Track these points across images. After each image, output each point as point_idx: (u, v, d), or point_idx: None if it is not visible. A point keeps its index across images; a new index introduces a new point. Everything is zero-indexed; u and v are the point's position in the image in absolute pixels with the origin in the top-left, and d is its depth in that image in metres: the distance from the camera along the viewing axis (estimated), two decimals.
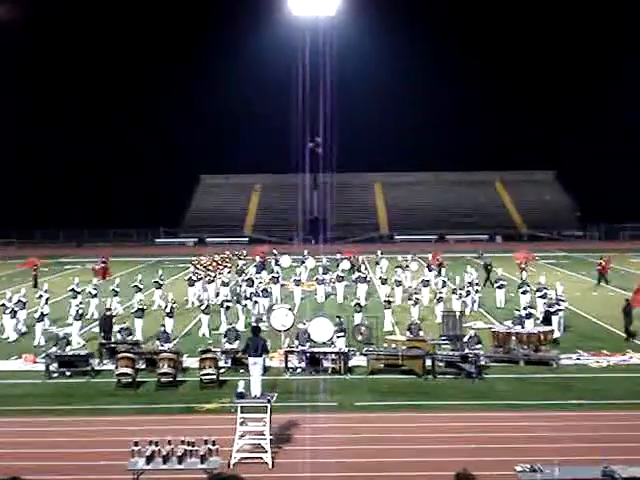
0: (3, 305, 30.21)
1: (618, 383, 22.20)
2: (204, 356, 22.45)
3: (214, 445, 14.25)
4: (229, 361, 24.06)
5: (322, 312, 28.73)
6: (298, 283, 37.07)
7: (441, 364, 23.34)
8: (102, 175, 78.46)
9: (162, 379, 22.19)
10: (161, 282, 36.41)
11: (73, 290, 33.32)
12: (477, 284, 35.27)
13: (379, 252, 45.74)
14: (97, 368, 24.16)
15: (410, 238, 71.97)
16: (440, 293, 32.24)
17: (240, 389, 16.85)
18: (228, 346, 24.38)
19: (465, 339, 24.54)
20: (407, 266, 42.13)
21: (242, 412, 16.51)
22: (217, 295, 35.94)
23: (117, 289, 34.37)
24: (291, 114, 74.02)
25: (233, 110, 77.24)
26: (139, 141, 78.98)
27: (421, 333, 25.74)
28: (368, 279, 38.07)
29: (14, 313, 29.81)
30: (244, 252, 48.04)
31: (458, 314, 28.73)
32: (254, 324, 22.54)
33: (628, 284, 37.57)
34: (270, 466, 15.91)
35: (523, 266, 40.25)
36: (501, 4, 79.68)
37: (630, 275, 45.60)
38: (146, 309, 29.65)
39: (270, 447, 16.15)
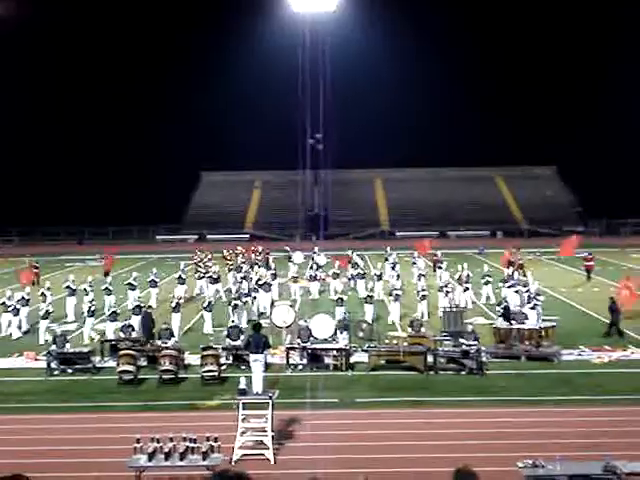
0: (3, 304, 30.20)
1: (619, 379, 22.20)
2: (206, 353, 22.46)
3: (216, 442, 14.28)
4: (230, 358, 24.07)
5: (345, 311, 28.56)
6: (311, 278, 37.34)
7: (442, 360, 23.35)
8: (102, 172, 78.37)
9: (164, 376, 22.21)
10: (157, 280, 36.17)
11: (69, 287, 33.36)
12: (467, 281, 34.79)
13: (388, 248, 45.74)
14: (98, 365, 24.18)
15: (411, 234, 71.88)
16: (423, 291, 31.69)
17: (242, 386, 16.86)
18: (230, 343, 24.38)
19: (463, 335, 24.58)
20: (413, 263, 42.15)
21: (244, 409, 16.53)
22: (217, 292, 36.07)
23: (110, 287, 34.26)
24: (291, 111, 74.01)
25: (233, 107, 77.13)
26: (139, 138, 78.91)
27: (423, 329, 25.77)
28: (365, 275, 38.15)
29: (17, 311, 29.80)
30: (239, 249, 48.03)
31: (457, 310, 28.77)
32: (256, 321, 22.58)
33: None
34: (272, 462, 15.94)
35: (512, 261, 40.51)
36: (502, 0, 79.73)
37: (632, 272, 45.56)
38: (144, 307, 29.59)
39: (272, 444, 16.17)
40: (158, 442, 14.18)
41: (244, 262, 42.06)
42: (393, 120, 77.98)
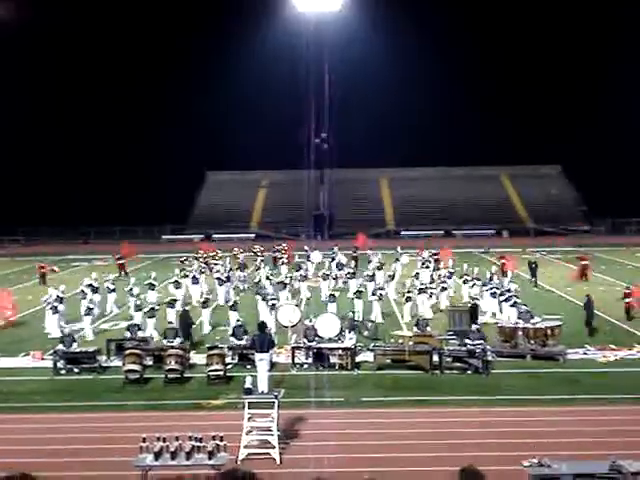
0: (48, 302, 30.21)
1: (625, 378, 22.17)
2: (211, 352, 22.50)
3: (222, 441, 14.29)
4: (236, 357, 24.10)
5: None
6: (326, 278, 37.34)
7: (448, 359, 23.34)
8: (109, 172, 78.51)
9: (169, 375, 22.25)
10: (154, 283, 35.92)
11: (91, 285, 33.38)
12: (444, 279, 34.80)
13: (399, 248, 45.66)
14: (104, 365, 24.23)
15: (416, 234, 71.90)
16: (409, 293, 31.48)
17: (247, 385, 16.89)
18: (235, 342, 24.40)
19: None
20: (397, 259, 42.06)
21: (249, 408, 16.55)
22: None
23: (154, 282, 34.56)
24: (296, 110, 74.01)
25: (239, 106, 77.19)
26: (145, 138, 79.03)
27: (428, 329, 25.77)
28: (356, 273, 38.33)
29: (55, 309, 29.75)
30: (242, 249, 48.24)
31: (463, 309, 28.76)
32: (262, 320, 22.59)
33: (637, 279, 37.52)
34: (278, 462, 15.94)
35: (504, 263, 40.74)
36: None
37: (638, 270, 45.51)
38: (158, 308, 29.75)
39: (277, 443, 16.19)
40: (164, 441, 14.20)
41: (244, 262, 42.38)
42: (398, 119, 77.97)
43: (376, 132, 78.93)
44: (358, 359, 23.89)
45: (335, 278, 38.08)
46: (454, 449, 16.40)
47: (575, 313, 31.15)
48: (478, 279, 33.92)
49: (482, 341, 23.35)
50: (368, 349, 24.52)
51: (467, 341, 23.50)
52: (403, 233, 75.16)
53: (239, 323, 25.69)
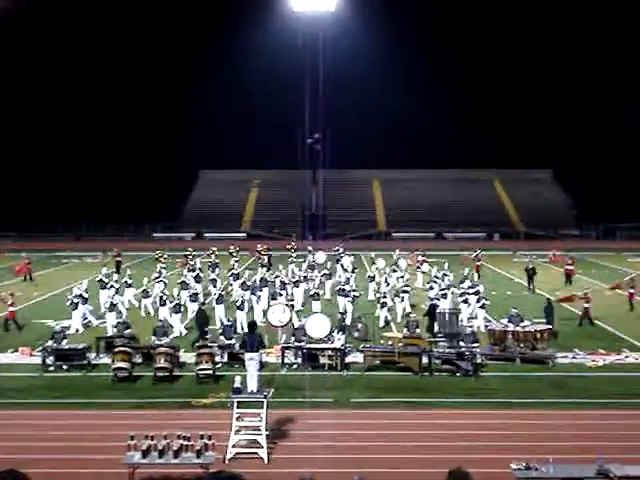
0: (80, 295, 30.16)
1: (614, 382, 22.24)
2: (201, 351, 22.47)
3: (210, 440, 14.28)
4: (225, 356, 24.08)
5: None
6: (330, 277, 37.27)
7: (437, 361, 23.39)
8: (101, 169, 78.36)
9: (159, 374, 22.22)
10: (130, 281, 35.40)
11: (101, 280, 33.33)
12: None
13: (397, 250, 45.65)
14: (94, 362, 24.17)
15: (408, 235, 71.99)
16: (384, 298, 31.28)
17: (237, 384, 16.88)
18: (225, 341, 24.38)
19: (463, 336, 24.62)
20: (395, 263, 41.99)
21: (238, 407, 16.55)
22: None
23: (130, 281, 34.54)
24: (290, 110, 73.96)
25: (232, 105, 77.16)
26: (138, 135, 78.92)
27: (418, 330, 25.81)
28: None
29: (75, 305, 29.65)
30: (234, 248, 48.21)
31: (452, 312, 28.80)
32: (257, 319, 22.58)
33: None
34: (266, 461, 15.94)
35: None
36: (502, 2, 79.69)
37: (629, 275, 45.68)
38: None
39: (266, 443, 16.18)
40: (152, 439, 14.19)
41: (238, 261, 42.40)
42: (392, 121, 78.08)
43: (369, 133, 79.03)
44: (348, 360, 23.91)
45: (306, 279, 37.67)
46: (442, 451, 16.43)
47: (565, 317, 31.27)
48: (435, 281, 33.79)
49: (477, 344, 23.43)
50: (358, 350, 24.54)
51: (462, 344, 23.57)
52: (394, 235, 75.23)
53: (229, 323, 25.67)
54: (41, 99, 78.76)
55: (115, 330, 26.07)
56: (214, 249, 46.72)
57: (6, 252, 58.82)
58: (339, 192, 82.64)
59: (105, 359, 24.20)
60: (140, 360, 23.68)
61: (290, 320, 26.01)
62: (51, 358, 23.71)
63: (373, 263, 41.53)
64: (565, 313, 32.07)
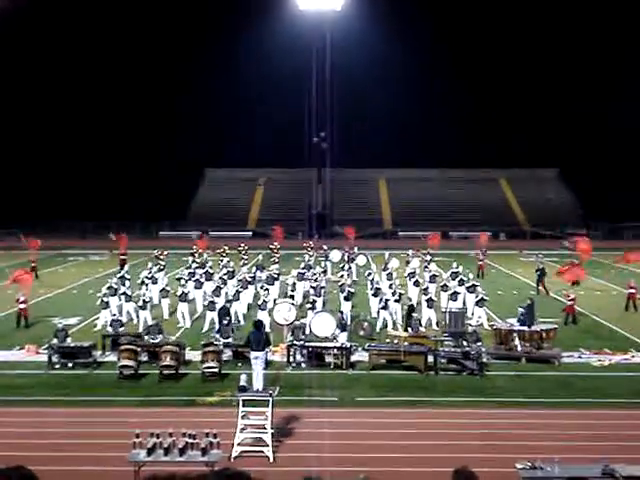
0: (116, 290, 30.42)
1: (619, 382, 22.21)
2: (207, 349, 22.48)
3: (215, 438, 14.28)
4: (231, 354, 24.08)
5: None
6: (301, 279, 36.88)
7: (443, 360, 23.36)
8: (106, 167, 78.43)
9: (164, 371, 22.24)
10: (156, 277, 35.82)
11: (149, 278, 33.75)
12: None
13: (410, 252, 45.16)
14: (99, 360, 24.21)
15: (414, 234, 71.81)
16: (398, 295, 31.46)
17: (242, 383, 16.89)
18: (223, 340, 24.30)
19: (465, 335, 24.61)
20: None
21: (244, 405, 16.55)
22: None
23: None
24: (296, 109, 73.96)
25: (238, 104, 77.25)
26: (144, 134, 79.01)
27: (422, 329, 25.79)
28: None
29: (106, 305, 29.61)
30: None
31: (459, 311, 28.78)
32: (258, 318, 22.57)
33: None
34: (271, 460, 15.95)
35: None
36: (508, 2, 79.59)
37: (633, 275, 45.51)
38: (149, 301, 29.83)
39: (271, 441, 16.19)
40: (158, 437, 14.19)
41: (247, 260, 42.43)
42: (397, 120, 78.00)
43: (375, 132, 78.98)
44: (353, 359, 23.91)
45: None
46: (447, 450, 16.41)
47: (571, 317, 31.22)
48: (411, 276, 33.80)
49: (480, 343, 23.41)
50: (363, 349, 24.53)
51: (465, 343, 23.55)
52: (400, 234, 75.12)
53: (226, 322, 25.55)
54: (47, 98, 78.84)
55: (109, 328, 26.23)
56: (225, 247, 46.79)
57: (12, 250, 58.86)
58: (345, 191, 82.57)
59: (111, 357, 24.24)
60: (146, 358, 23.71)
61: (296, 318, 26.01)
62: (57, 356, 23.76)
63: (425, 267, 40.80)
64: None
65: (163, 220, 78.19)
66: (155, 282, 34.68)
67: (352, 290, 31.32)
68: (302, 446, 16.68)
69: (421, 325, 25.96)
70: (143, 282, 33.67)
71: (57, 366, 23.60)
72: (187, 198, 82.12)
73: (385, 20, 76.34)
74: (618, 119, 73.72)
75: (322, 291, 31.80)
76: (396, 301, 29.25)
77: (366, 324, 28.00)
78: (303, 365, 23.66)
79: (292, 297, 30.44)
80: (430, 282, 34.00)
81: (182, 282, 32.90)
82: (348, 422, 18.52)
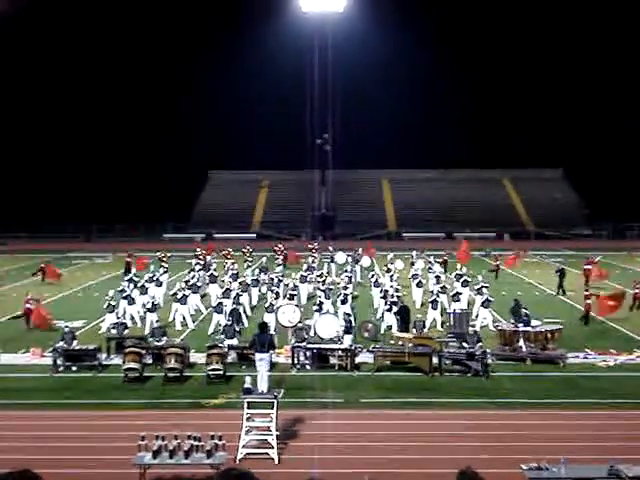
0: (124, 291, 30.55)
1: (625, 382, 22.17)
2: (211, 351, 22.48)
3: (220, 440, 14.30)
4: (235, 356, 24.09)
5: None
6: (304, 281, 36.93)
7: (448, 362, 23.34)
8: (111, 169, 78.54)
9: (169, 374, 22.25)
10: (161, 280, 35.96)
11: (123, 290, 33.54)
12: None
13: (414, 253, 45.15)
14: (104, 363, 24.23)
15: (418, 235, 71.85)
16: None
17: (247, 385, 16.89)
18: (227, 342, 24.30)
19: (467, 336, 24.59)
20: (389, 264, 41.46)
21: (249, 408, 16.55)
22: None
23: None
24: (300, 111, 74.02)
25: (242, 106, 77.28)
26: (148, 137, 79.12)
27: (425, 330, 25.78)
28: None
29: (132, 300, 29.61)
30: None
31: (463, 312, 28.76)
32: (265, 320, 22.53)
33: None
34: (276, 462, 15.95)
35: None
36: (511, 2, 79.56)
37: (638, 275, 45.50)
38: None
39: (276, 443, 16.19)
40: (163, 440, 14.21)
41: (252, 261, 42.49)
42: (401, 121, 78.00)
43: (378, 133, 78.96)
44: (358, 360, 23.90)
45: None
46: (453, 451, 16.39)
47: (576, 317, 31.20)
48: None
49: (480, 344, 23.37)
50: (368, 350, 24.51)
51: (465, 344, 23.53)
52: (404, 235, 75.13)
53: (229, 323, 25.55)
54: (52, 101, 79.00)
55: (113, 331, 26.26)
56: (230, 249, 46.88)
57: (15, 253, 59.02)
58: (348, 192, 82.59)
59: (116, 360, 24.26)
60: (150, 361, 23.72)
61: (300, 320, 26.01)
62: (62, 359, 23.78)
63: (391, 264, 40.49)
64: (576, 313, 32.00)
65: (167, 222, 78.31)
66: (160, 285, 34.74)
67: (348, 293, 31.19)
68: (307, 448, 16.67)
69: (425, 326, 25.93)
70: (144, 285, 33.62)
71: (62, 369, 23.61)
72: (191, 200, 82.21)
73: (387, 21, 76.39)
74: (622, 118, 73.66)
75: (330, 293, 31.75)
76: (394, 303, 29.13)
77: (370, 326, 27.98)
78: (308, 367, 23.68)
79: (292, 298, 30.44)
80: (435, 284, 33.93)
81: (183, 285, 32.79)
82: (353, 424, 18.51)
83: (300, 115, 71.44)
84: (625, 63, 76.73)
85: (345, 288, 31.28)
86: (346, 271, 38.78)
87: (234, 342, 24.24)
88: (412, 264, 40.86)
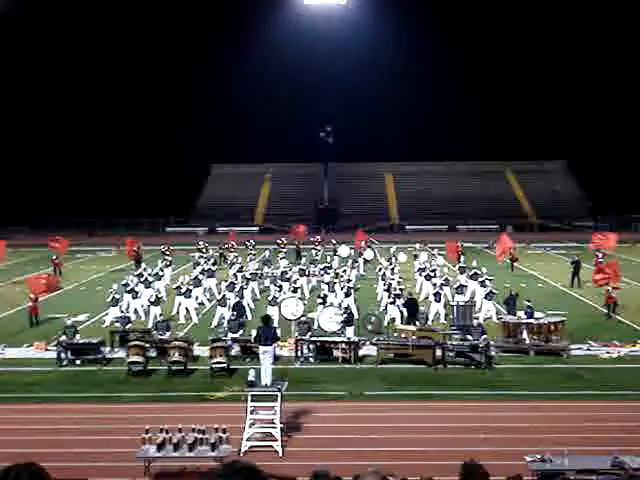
0: (130, 288, 30.54)
1: (628, 374, 22.17)
2: (215, 345, 22.52)
3: (224, 433, 14.34)
4: (239, 349, 24.13)
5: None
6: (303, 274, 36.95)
7: (451, 354, 23.35)
8: (114, 164, 78.56)
9: (173, 367, 22.30)
10: (161, 274, 36.01)
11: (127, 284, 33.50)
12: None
13: (417, 245, 45.01)
14: (108, 356, 24.28)
15: (421, 228, 71.85)
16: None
17: (251, 378, 16.91)
18: (232, 335, 24.35)
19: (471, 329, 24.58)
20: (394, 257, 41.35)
21: (252, 400, 16.58)
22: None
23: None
24: (302, 103, 74.07)
25: (244, 99, 77.20)
26: (150, 130, 79.10)
27: (429, 323, 25.78)
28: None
29: (116, 301, 29.74)
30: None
31: (467, 304, 28.74)
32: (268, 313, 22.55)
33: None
34: (280, 454, 15.99)
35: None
36: None
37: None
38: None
39: (280, 435, 16.23)
40: (167, 433, 14.26)
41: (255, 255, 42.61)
42: (404, 113, 77.93)
43: (381, 126, 78.90)
44: (361, 353, 23.92)
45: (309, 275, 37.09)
46: (456, 443, 16.42)
47: (579, 309, 31.19)
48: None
49: (485, 336, 23.38)
50: (371, 343, 24.53)
51: (468, 337, 23.54)
52: (407, 228, 75.11)
53: (233, 317, 25.58)
54: (55, 95, 78.96)
55: (117, 324, 26.29)
56: (233, 243, 46.92)
57: (20, 247, 59.04)
58: (351, 185, 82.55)
59: (120, 353, 24.31)
60: (154, 354, 23.76)
61: (304, 313, 26.03)
62: (66, 352, 23.83)
63: (395, 257, 40.46)
64: (579, 305, 32.00)
65: (170, 216, 78.37)
66: (159, 278, 34.75)
67: (351, 286, 31.24)
68: (311, 440, 16.71)
69: (428, 319, 25.94)
70: (147, 279, 33.61)
71: (66, 363, 23.67)
72: (194, 194, 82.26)
73: (390, 13, 76.28)
74: (625, 110, 73.48)
75: (334, 286, 31.75)
76: (397, 296, 29.12)
77: (374, 318, 27.97)
78: (311, 360, 23.71)
79: (295, 290, 30.45)
80: (438, 276, 33.92)
81: (187, 279, 32.71)
82: (357, 416, 18.54)
83: (303, 108, 71.51)
84: (627, 56, 76.52)
85: (348, 281, 31.29)
86: (350, 263, 38.79)
87: (238, 335, 24.29)
88: (415, 257, 40.83)
